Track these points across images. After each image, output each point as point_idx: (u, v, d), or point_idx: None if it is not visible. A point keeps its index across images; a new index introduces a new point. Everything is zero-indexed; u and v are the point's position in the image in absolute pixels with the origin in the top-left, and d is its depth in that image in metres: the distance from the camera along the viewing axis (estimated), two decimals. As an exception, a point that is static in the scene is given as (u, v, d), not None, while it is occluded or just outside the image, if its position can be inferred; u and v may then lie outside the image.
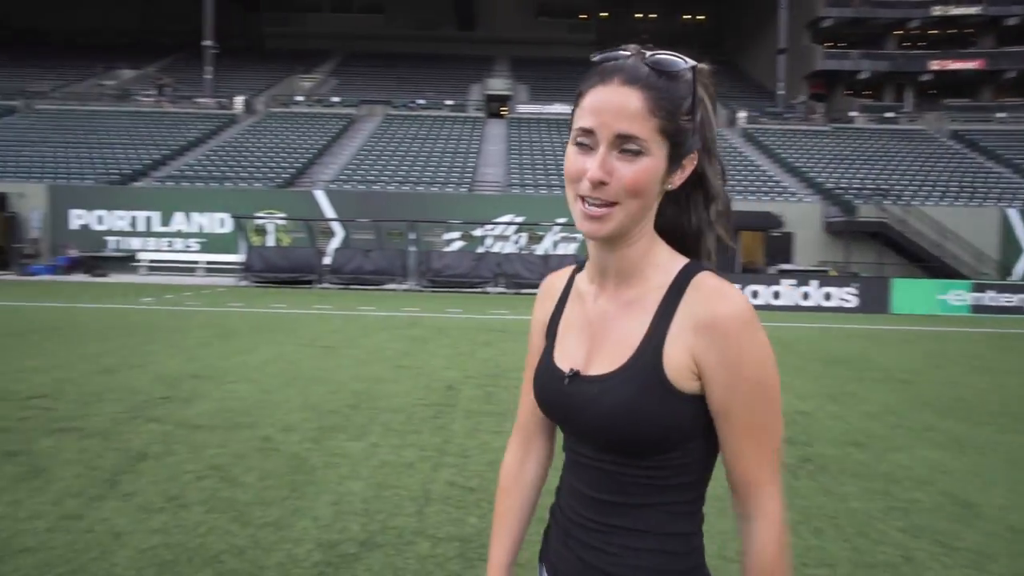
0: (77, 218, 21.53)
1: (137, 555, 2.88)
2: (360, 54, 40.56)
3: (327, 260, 19.85)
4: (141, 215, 21.56)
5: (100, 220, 21.57)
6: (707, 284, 0.89)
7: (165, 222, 21.59)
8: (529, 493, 1.11)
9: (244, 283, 19.15)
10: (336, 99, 32.02)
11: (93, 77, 33.87)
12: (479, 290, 19.12)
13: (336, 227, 21.24)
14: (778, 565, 0.88)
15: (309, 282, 19.12)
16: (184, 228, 21.61)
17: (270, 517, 3.31)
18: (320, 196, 21.75)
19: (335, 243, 21.04)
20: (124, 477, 3.77)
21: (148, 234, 21.62)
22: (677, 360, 0.87)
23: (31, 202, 21.44)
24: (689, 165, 0.91)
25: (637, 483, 0.91)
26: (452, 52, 40.94)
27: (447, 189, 23.36)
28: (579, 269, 1.04)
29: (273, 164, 24.57)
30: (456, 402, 5.76)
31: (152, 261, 21.22)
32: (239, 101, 30.04)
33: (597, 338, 0.94)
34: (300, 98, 32.17)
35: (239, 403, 5.49)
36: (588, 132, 0.86)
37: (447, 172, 24.66)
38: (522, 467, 1.12)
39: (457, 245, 21.17)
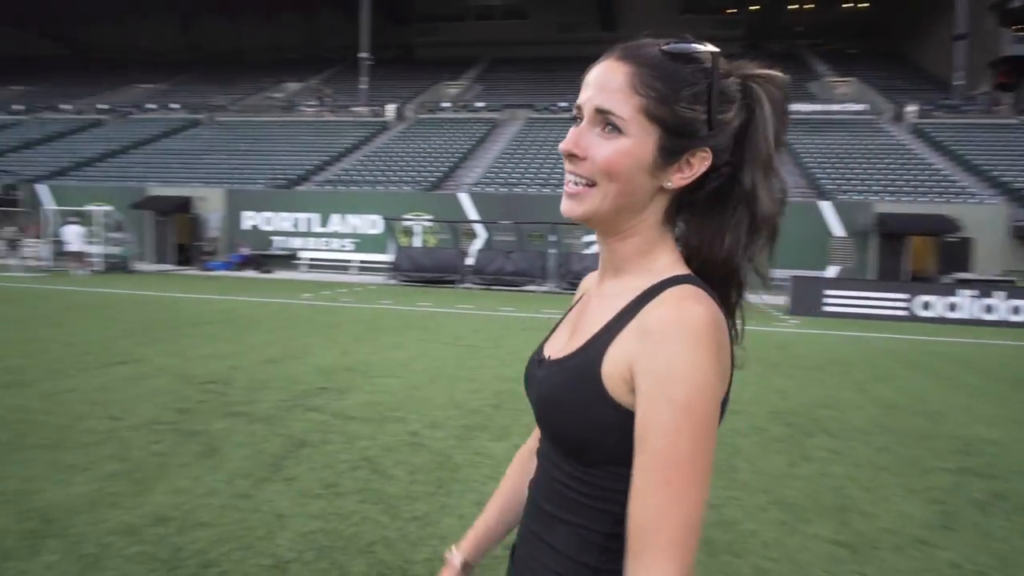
0: (248, 219, 23.64)
1: (298, 538, 3.03)
2: (504, 60, 41.46)
3: (470, 261, 20.42)
4: (303, 217, 23.29)
5: (268, 221, 23.54)
6: (676, 292, 0.79)
7: (323, 223, 23.17)
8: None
9: (393, 282, 20.12)
10: (480, 104, 32.91)
11: (264, 91, 37.13)
12: (618, 293, 18.85)
13: (479, 229, 21.81)
14: None
15: (452, 282, 19.76)
16: (340, 229, 23.08)
17: (418, 512, 3.38)
18: (464, 198, 22.43)
19: (478, 244, 21.60)
20: (286, 462, 4.01)
21: (308, 234, 23.30)
22: (616, 365, 0.78)
23: (211, 205, 23.80)
24: (698, 164, 0.82)
25: (567, 493, 0.84)
26: (594, 53, 40.15)
27: (587, 191, 23.24)
28: None
29: (421, 168, 25.66)
30: (598, 407, 5.64)
31: (311, 259, 22.84)
32: (391, 109, 31.67)
33: (574, 328, 0.91)
34: (446, 104, 33.39)
35: (388, 397, 5.71)
36: (579, 108, 0.85)
37: (587, 174, 24.54)
38: (532, 455, 1.03)
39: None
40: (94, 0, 40.08)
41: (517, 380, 6.50)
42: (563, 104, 32.09)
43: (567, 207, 0.85)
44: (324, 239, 23.21)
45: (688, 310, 0.75)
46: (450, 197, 22.74)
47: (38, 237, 20.62)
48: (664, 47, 0.81)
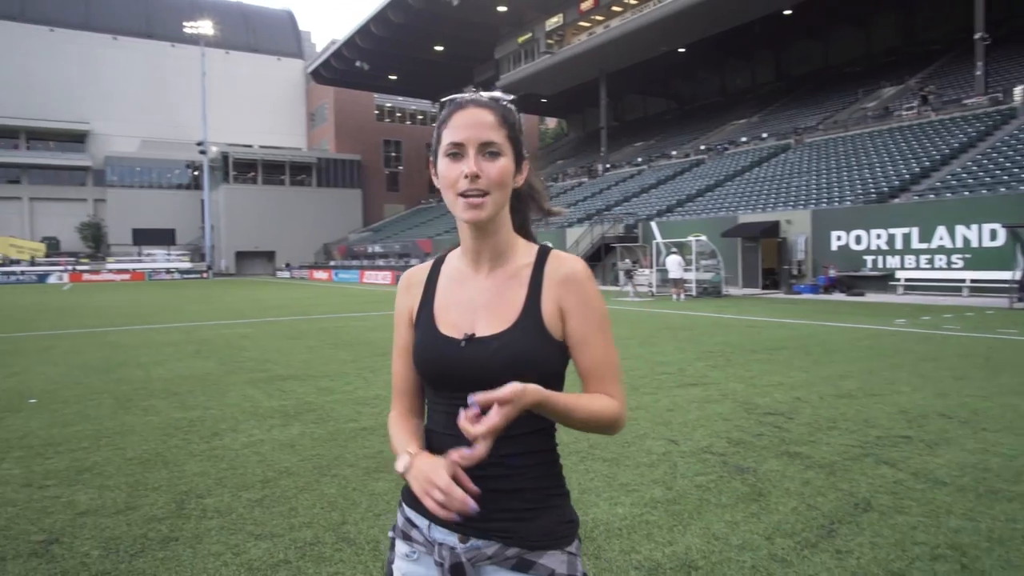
0: (836, 239, 22.34)
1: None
2: None
3: None
4: (899, 232, 20.72)
5: (858, 240, 21.79)
6: (561, 255, 1.22)
7: (925, 238, 20.11)
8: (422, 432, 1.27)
9: (1019, 305, 15.98)
10: None
11: (856, 103, 34.98)
12: None
13: None
14: (607, 417, 1.16)
15: (1119, 305, 14.47)
16: (946, 243, 19.64)
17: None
18: None
19: None
20: (842, 527, 3.25)
21: (906, 251, 20.60)
22: (550, 312, 1.17)
23: (797, 227, 23.45)
24: (526, 169, 1.23)
25: (521, 418, 1.07)
26: None
27: None
28: (440, 261, 1.30)
29: (1065, 159, 19.86)
30: None
31: (908, 280, 20.11)
32: (1018, 92, 25.64)
33: (482, 309, 1.19)
34: (1107, 71, 25.16)
35: (1002, 462, 4.23)
36: (459, 145, 1.14)
37: None
38: (412, 416, 1.29)
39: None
40: (698, 56, 45.11)
41: None
42: None
43: (474, 214, 1.14)
44: (925, 256, 20.15)
45: (578, 261, 1.22)
46: (1115, 191, 16.83)
47: (649, 267, 23.91)
48: (492, 98, 1.18)
